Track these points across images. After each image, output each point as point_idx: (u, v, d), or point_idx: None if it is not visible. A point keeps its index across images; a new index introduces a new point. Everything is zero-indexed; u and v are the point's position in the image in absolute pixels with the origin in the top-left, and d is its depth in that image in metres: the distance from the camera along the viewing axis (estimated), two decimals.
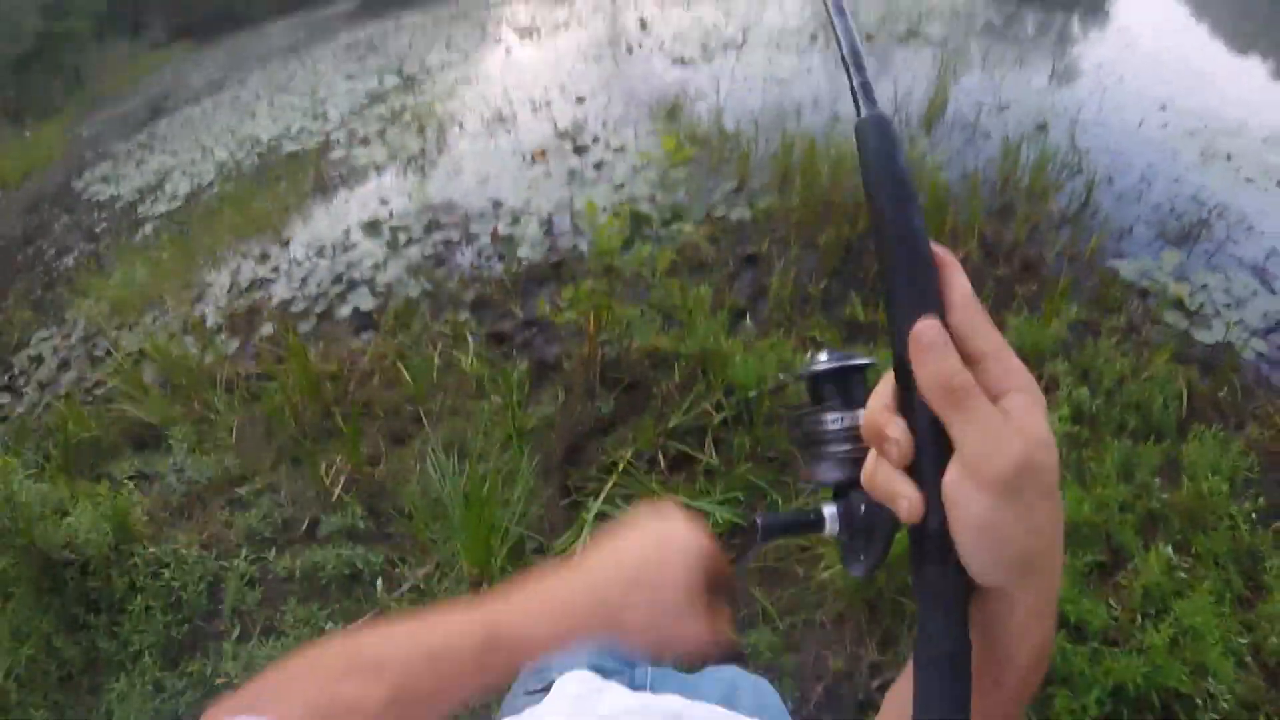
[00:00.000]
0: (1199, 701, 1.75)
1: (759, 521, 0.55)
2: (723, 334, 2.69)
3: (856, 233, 3.32)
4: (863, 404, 0.44)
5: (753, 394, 2.44)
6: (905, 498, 0.39)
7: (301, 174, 4.81)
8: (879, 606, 1.94)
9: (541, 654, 0.53)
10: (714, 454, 2.33)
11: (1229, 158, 3.80)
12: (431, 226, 3.69)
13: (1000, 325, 2.62)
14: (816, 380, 0.51)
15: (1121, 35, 5.88)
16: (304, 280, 3.61)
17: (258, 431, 2.76)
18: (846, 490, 0.50)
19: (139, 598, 2.24)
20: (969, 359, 0.38)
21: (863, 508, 0.48)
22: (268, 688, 0.50)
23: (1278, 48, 5.79)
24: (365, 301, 3.26)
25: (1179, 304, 2.88)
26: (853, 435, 0.48)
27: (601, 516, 2.18)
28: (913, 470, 0.39)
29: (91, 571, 2.31)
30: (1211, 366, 2.61)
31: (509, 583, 0.56)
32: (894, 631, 1.91)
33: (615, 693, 0.77)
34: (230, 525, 2.42)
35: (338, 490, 2.39)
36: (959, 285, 0.39)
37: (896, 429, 0.39)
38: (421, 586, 2.12)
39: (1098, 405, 2.43)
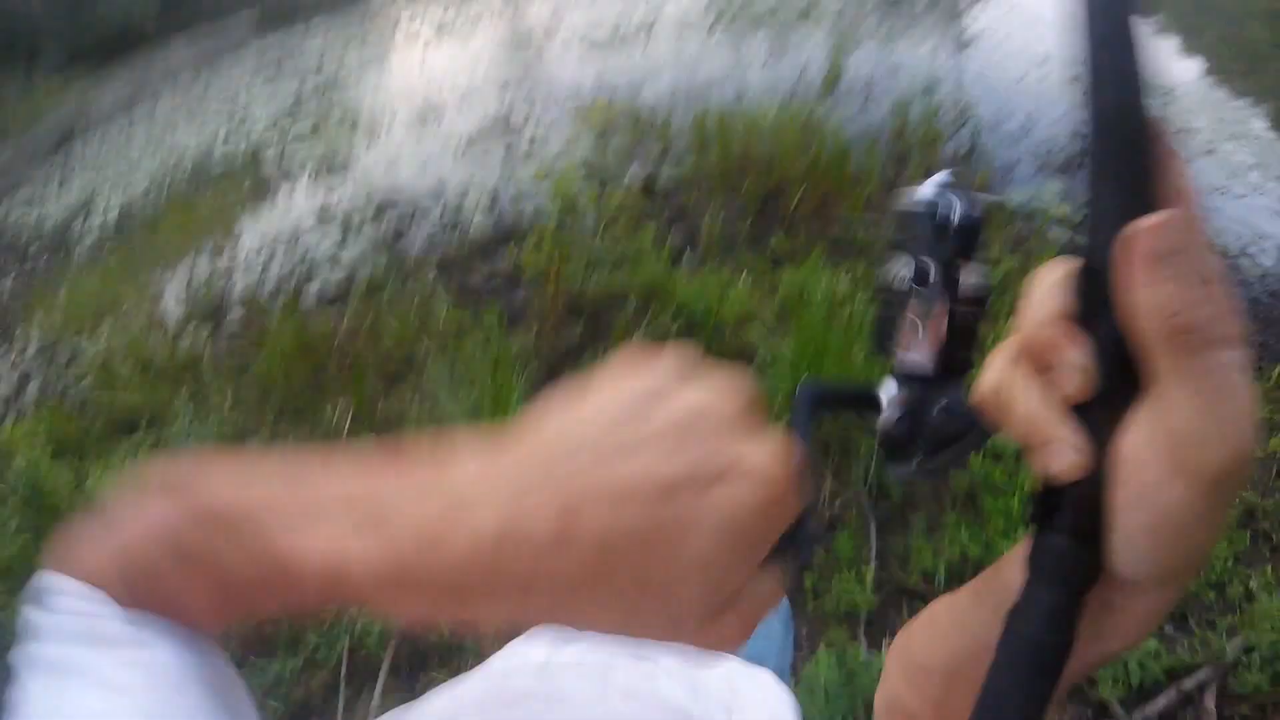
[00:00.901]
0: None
1: (805, 392, 0.42)
2: (665, 269, 3.18)
3: (773, 182, 3.85)
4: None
5: (699, 310, 2.93)
6: (1063, 445, 0.31)
7: (240, 175, 5.08)
8: (829, 447, 2.43)
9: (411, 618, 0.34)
10: None
11: None
12: (382, 209, 4.06)
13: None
14: (928, 221, 0.42)
15: (1005, 1, 6.59)
16: (264, 268, 3.92)
17: (252, 396, 3.09)
18: (920, 377, 0.42)
19: None
20: None
21: (941, 405, 0.41)
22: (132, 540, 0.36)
23: None
24: (331, 277, 3.61)
25: (1062, 220, 3.46)
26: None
27: None
28: (1078, 411, 0.31)
29: None
30: None
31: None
32: (845, 466, 2.40)
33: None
34: None
35: (345, 426, 2.75)
36: (1184, 181, 0.30)
37: (1080, 353, 0.31)
38: None
39: (991, 298, 2.99)
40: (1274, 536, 2.27)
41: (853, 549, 2.23)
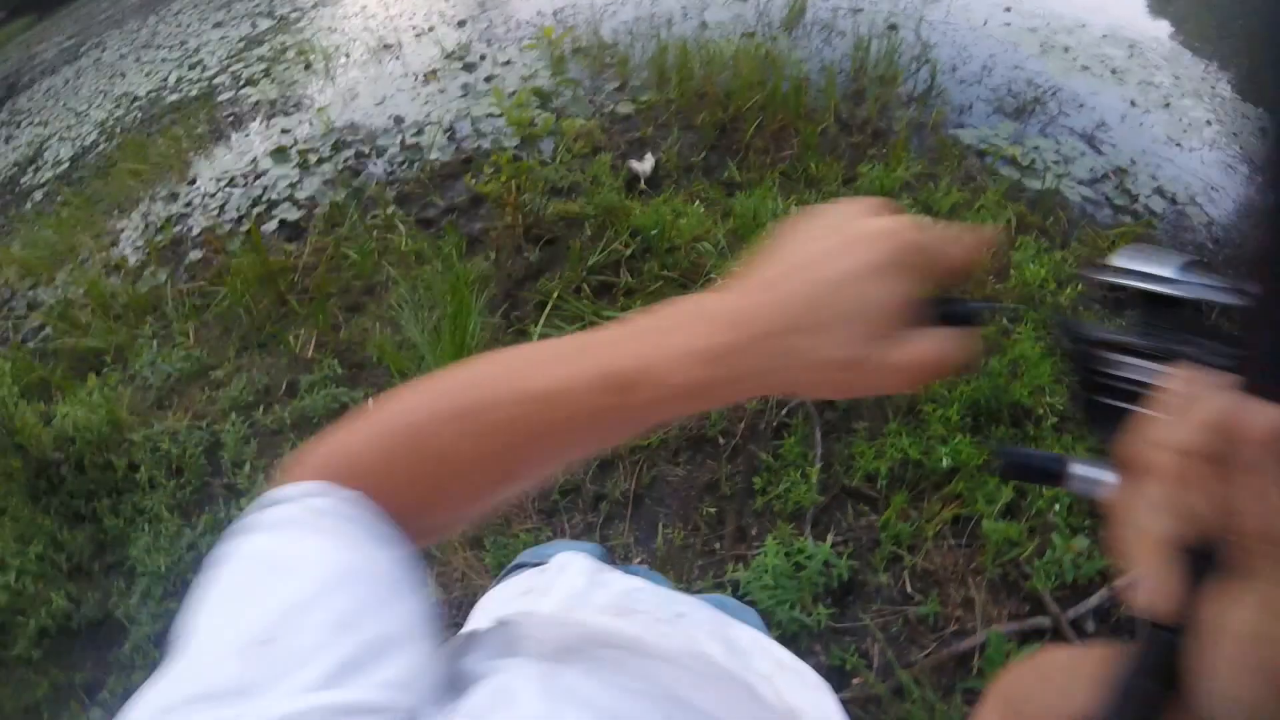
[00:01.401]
0: (1040, 412, 2.40)
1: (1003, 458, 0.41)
2: (621, 195, 3.22)
3: (729, 115, 3.87)
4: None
5: (654, 232, 2.98)
6: (1159, 587, 0.32)
7: (192, 119, 5.00)
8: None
9: (679, 403, 0.41)
10: (629, 277, 2.86)
11: (1067, 50, 4.47)
12: (339, 146, 4.03)
13: (853, 175, 3.25)
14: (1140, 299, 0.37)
15: None
16: (221, 209, 3.90)
17: (215, 331, 3.11)
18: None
19: (142, 470, 2.60)
20: None
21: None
22: (354, 438, 0.47)
23: None
24: (290, 214, 3.60)
25: (1013, 160, 3.53)
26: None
27: (545, 336, 2.69)
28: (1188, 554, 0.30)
29: (85, 467, 2.64)
30: (1038, 205, 3.27)
31: (643, 312, 0.44)
32: None
33: (621, 579, 0.80)
34: (214, 401, 2.79)
35: (310, 352, 2.80)
36: None
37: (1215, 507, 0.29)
38: None
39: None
40: None
41: (799, 452, 2.34)
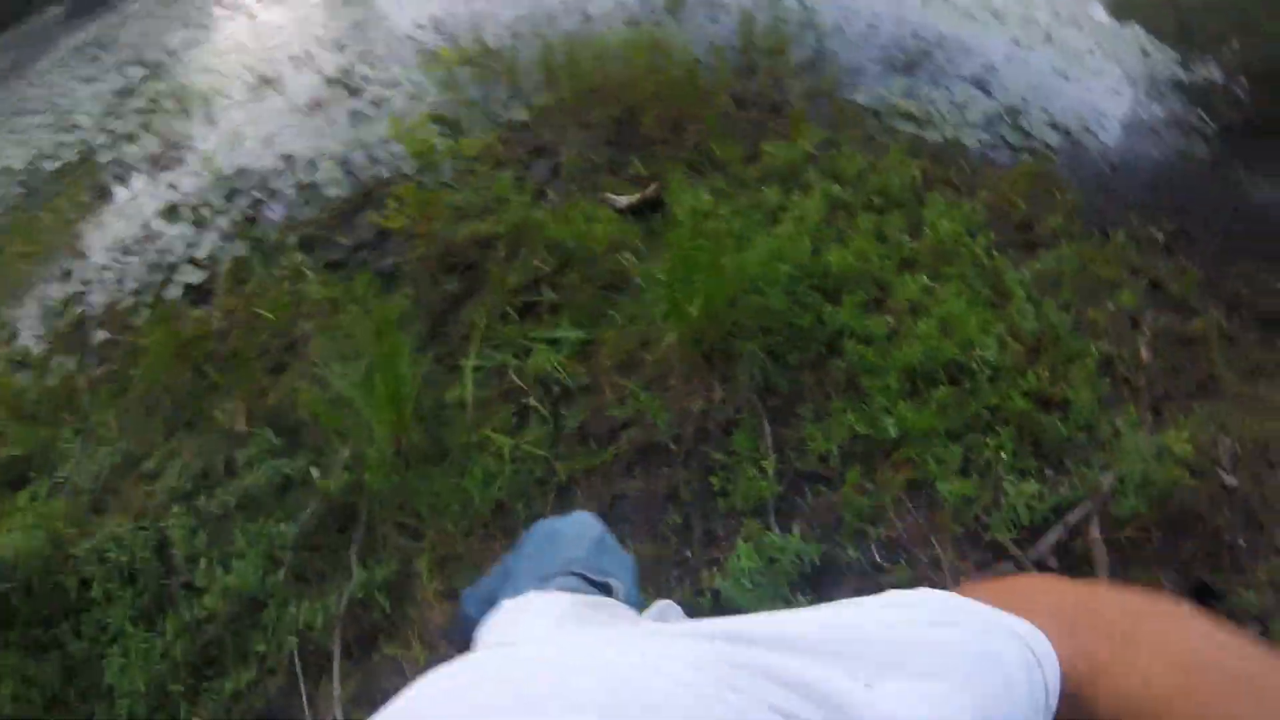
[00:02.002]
0: (974, 366, 2.36)
1: None
2: (531, 208, 3.06)
3: (626, 107, 3.72)
4: None
5: (571, 243, 2.84)
6: None
7: (75, 187, 4.60)
8: (711, 356, 2.43)
9: None
10: (553, 294, 2.72)
11: None
12: (232, 195, 3.75)
13: (756, 154, 3.15)
14: None
15: None
16: (119, 281, 3.59)
17: (137, 416, 2.86)
18: None
19: (95, 585, 2.36)
20: None
21: None
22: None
23: None
24: (192, 277, 3.34)
25: (909, 116, 3.47)
26: None
27: (479, 368, 2.54)
28: None
29: (35, 593, 2.39)
30: (940, 157, 3.22)
31: None
32: (731, 372, 2.40)
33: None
34: (152, 495, 2.56)
35: (241, 424, 2.59)
36: None
37: None
38: (350, 465, 2.38)
39: (847, 193, 2.99)
40: (1131, 381, 2.41)
41: (751, 444, 2.26)
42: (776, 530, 2.12)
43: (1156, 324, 2.54)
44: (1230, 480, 2.28)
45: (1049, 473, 2.25)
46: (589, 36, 4.27)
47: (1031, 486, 2.14)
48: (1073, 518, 2.14)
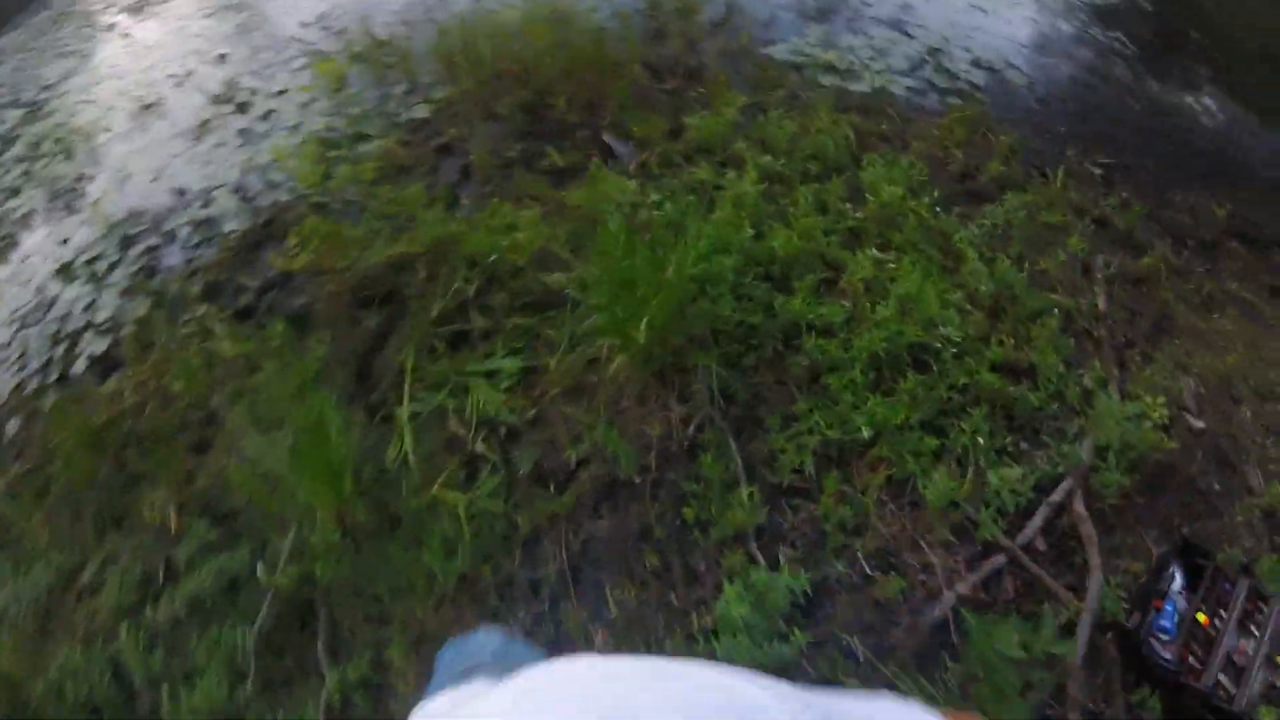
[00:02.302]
0: (938, 346, 2.07)
1: None
2: (445, 220, 2.63)
3: (533, 92, 3.26)
4: None
5: (493, 258, 2.44)
6: None
7: None
8: (664, 373, 2.09)
9: None
10: (482, 318, 2.34)
11: None
12: (126, 243, 3.18)
13: (680, 127, 2.74)
14: None
15: None
16: (21, 359, 3.05)
17: (65, 518, 2.41)
18: None
19: None
20: None
21: None
22: None
23: None
24: (96, 345, 2.83)
25: (830, 67, 3.07)
26: None
27: (415, 416, 2.17)
28: None
29: None
30: (869, 109, 2.85)
31: None
32: (687, 387, 2.08)
33: None
34: (95, 613, 2.15)
35: (173, 522, 2.18)
36: None
37: None
38: (296, 552, 2.02)
39: (781, 164, 2.62)
40: (1093, 334, 2.16)
41: (720, 466, 1.96)
42: (760, 558, 1.83)
43: (1108, 269, 2.28)
44: (1198, 424, 2.07)
45: (1024, 446, 2.00)
46: (484, 16, 3.73)
47: (1013, 471, 1.88)
48: (1056, 496, 1.89)
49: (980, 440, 1.91)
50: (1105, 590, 1.75)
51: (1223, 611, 1.68)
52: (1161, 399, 1.91)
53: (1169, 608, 1.70)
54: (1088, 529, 1.86)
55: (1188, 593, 1.73)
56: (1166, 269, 2.29)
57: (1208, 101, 2.96)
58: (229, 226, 2.96)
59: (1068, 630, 1.74)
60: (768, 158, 2.58)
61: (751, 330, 2.09)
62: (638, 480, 1.96)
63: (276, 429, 2.13)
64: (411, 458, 2.05)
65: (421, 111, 3.35)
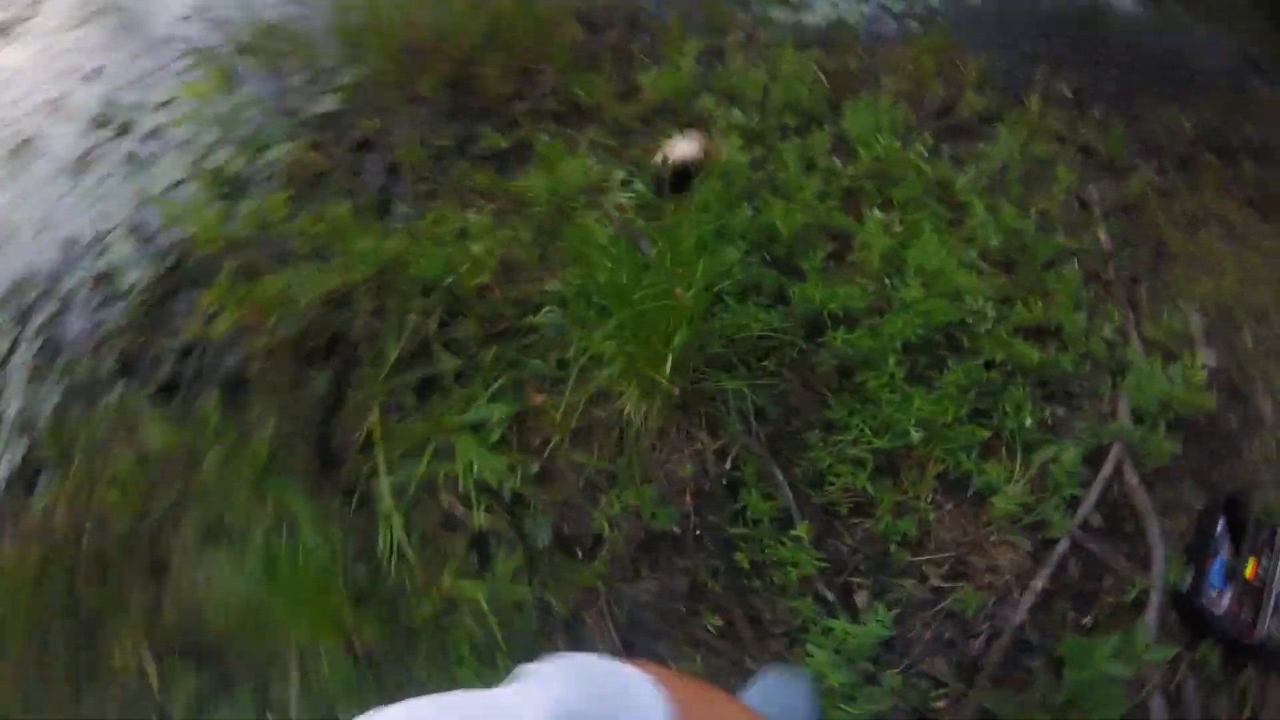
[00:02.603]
0: (969, 321, 1.52)
1: None
2: (382, 237, 1.83)
3: (455, 65, 2.36)
4: None
5: (449, 280, 1.70)
6: None
7: None
8: (689, 405, 1.48)
9: None
10: (450, 356, 1.63)
11: None
12: (21, 315, 2.24)
13: (632, 88, 1.96)
14: None
15: None
16: None
17: (33, 677, 1.66)
18: None
19: None
20: None
21: None
22: None
23: None
24: (15, 450, 1.97)
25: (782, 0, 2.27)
26: None
27: (400, 492, 1.50)
28: None
29: None
30: (830, 44, 2.12)
31: None
32: (713, 414, 1.48)
33: None
34: None
35: (151, 670, 1.49)
36: None
37: None
38: (300, 687, 1.39)
39: (756, 120, 1.91)
40: (1101, 274, 1.64)
41: (767, 502, 1.40)
42: (829, 596, 1.34)
43: (1104, 201, 1.75)
44: (1210, 360, 1.63)
45: (1061, 414, 1.54)
46: None
47: (1066, 453, 1.42)
48: (1107, 470, 1.46)
49: (1027, 421, 1.40)
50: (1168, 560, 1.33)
51: (1265, 561, 1.33)
52: (1200, 357, 1.44)
53: (1218, 564, 1.34)
54: (1141, 500, 1.46)
55: (1232, 547, 1.35)
56: (1154, 192, 1.81)
57: (1158, 7, 2.37)
58: (131, 278, 2.11)
59: (1136, 607, 1.32)
60: (737, 113, 1.88)
61: (767, 327, 1.47)
62: (676, 530, 1.39)
63: (240, 538, 1.42)
64: (408, 550, 1.40)
65: (330, 103, 2.44)
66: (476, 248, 1.80)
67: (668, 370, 1.27)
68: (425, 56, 2.46)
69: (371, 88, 2.50)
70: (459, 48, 2.43)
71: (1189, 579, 1.34)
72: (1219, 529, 1.38)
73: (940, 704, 1.29)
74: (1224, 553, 1.36)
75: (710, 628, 1.36)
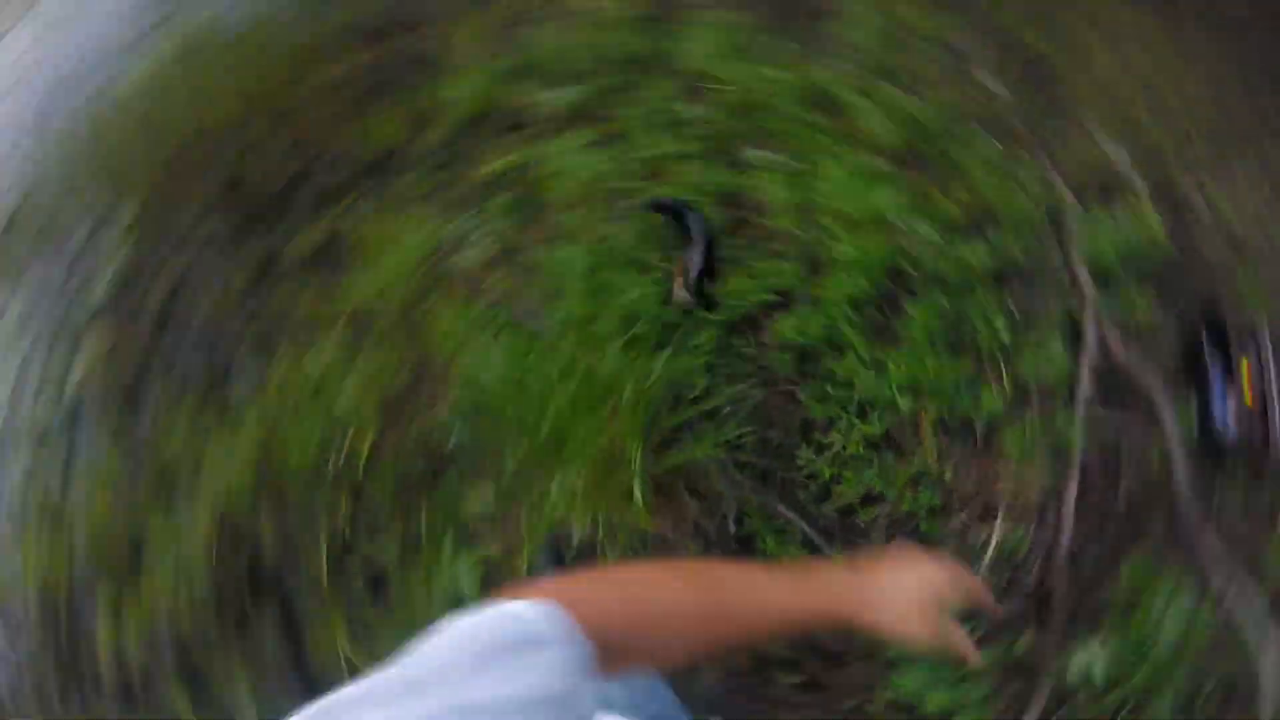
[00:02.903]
0: (906, 247, 1.34)
1: None
2: (233, 434, 1.51)
3: (227, 162, 1.92)
4: None
5: (332, 459, 1.42)
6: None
7: None
8: (663, 486, 1.28)
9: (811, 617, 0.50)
10: (382, 542, 1.38)
11: None
12: None
13: (429, 110, 1.44)
14: None
15: None
16: None
17: None
18: None
19: None
20: None
21: None
22: (603, 596, 0.41)
23: None
24: None
25: None
26: None
27: None
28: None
29: None
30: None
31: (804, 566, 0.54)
32: (695, 475, 1.28)
33: None
34: None
35: None
36: None
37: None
38: None
39: (579, 90, 1.60)
40: (1005, 123, 1.45)
41: (785, 546, 1.25)
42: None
43: (983, 52, 1.54)
44: (1140, 184, 1.51)
45: (1026, 302, 1.40)
46: (104, 95, 2.14)
47: (1053, 345, 1.30)
48: (1092, 358, 1.35)
49: (1001, 330, 1.28)
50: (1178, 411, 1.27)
51: (1256, 366, 1.28)
52: (1149, 206, 1.31)
53: (1218, 392, 1.29)
54: (1138, 367, 1.33)
55: (1223, 366, 1.30)
56: (1022, 18, 1.57)
57: None
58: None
59: (1164, 472, 1.27)
60: (558, 93, 1.56)
61: (711, 360, 1.28)
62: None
63: None
64: None
65: (114, 264, 1.97)
66: (342, 404, 1.49)
67: (637, 490, 1.07)
68: (192, 163, 1.99)
69: (148, 220, 2.02)
70: (222, 137, 1.96)
71: (1197, 422, 1.29)
72: (1208, 360, 1.32)
73: (1024, 648, 1.24)
74: (1218, 380, 1.30)
75: (784, 683, 1.26)
